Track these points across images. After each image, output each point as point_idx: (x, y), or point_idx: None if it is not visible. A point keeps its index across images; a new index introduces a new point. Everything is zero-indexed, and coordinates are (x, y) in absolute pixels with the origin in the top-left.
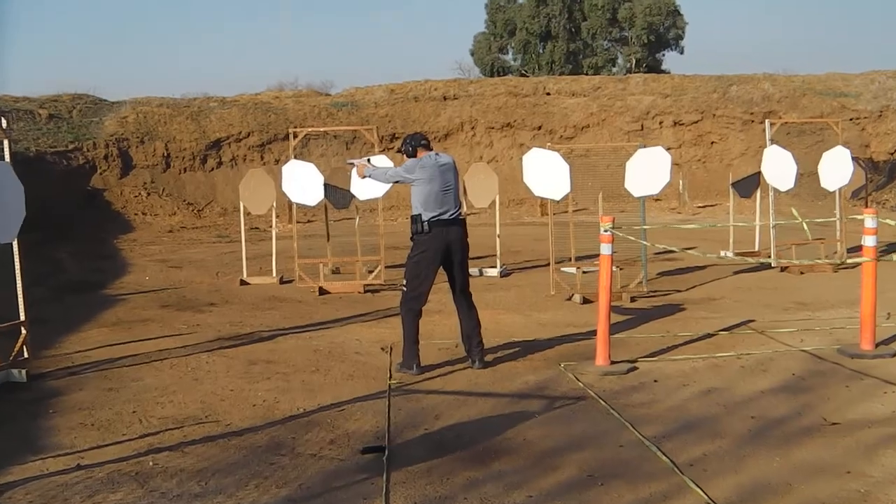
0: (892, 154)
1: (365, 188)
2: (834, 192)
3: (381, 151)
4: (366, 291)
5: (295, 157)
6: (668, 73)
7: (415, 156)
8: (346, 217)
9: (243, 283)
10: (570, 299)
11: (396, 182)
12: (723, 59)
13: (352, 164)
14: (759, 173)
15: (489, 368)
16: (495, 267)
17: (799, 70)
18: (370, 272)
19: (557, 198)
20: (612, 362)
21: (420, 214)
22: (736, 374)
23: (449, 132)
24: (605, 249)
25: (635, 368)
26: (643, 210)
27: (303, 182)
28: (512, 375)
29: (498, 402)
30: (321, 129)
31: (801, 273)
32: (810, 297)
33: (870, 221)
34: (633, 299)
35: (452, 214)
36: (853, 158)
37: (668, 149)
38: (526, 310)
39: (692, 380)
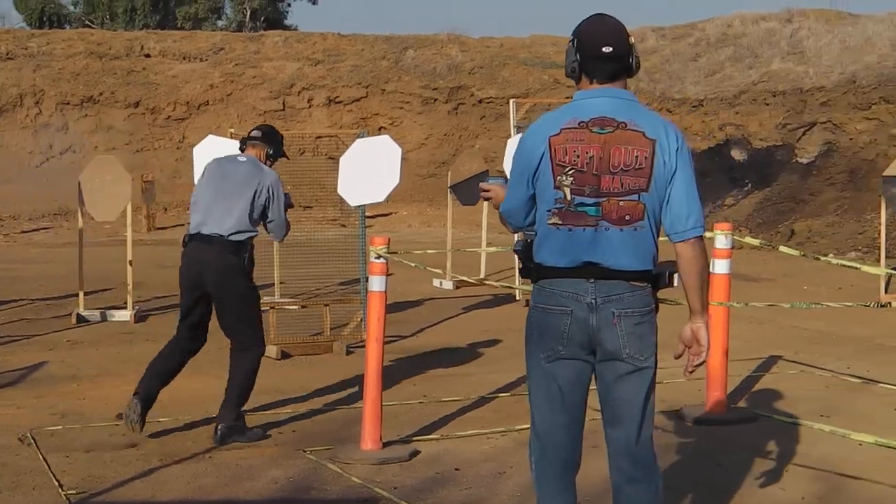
0: None
1: None
2: None
3: None
4: None
5: None
6: (296, 28)
7: None
8: None
9: None
10: None
11: None
12: (384, 14)
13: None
14: (487, 172)
15: (209, 461)
16: (126, 308)
17: (495, 32)
18: None
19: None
20: (384, 444)
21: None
22: None
23: (0, 109)
24: (377, 284)
25: (418, 452)
26: (363, 224)
27: None
28: (247, 471)
29: None
30: None
31: None
32: None
33: (723, 240)
34: (349, 350)
35: (211, 230)
36: None
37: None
38: (206, 369)
39: (505, 464)
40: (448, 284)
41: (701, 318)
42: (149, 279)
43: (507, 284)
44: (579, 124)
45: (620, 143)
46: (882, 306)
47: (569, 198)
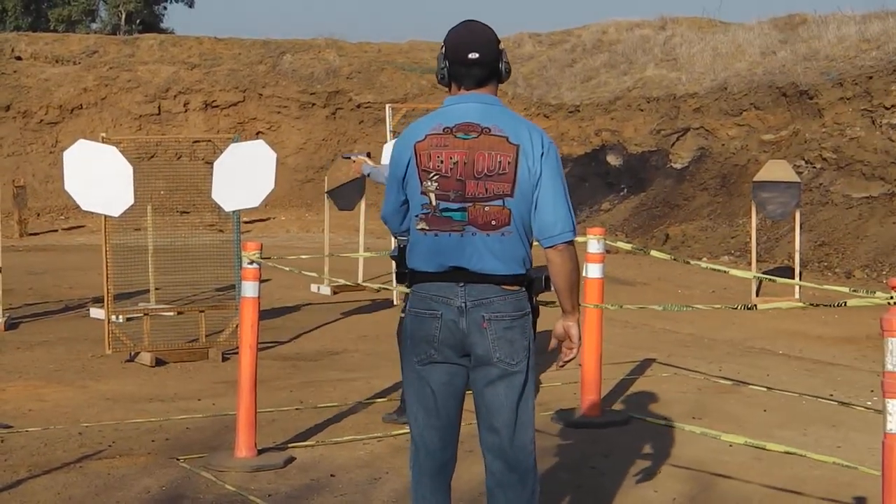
0: None
1: None
2: None
3: None
4: None
5: None
6: (172, 31)
7: None
8: None
9: None
10: (133, 360)
11: None
12: (261, 18)
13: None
14: (363, 178)
15: (79, 471)
16: None
17: (373, 37)
18: None
19: (116, 213)
20: (259, 451)
21: None
22: None
23: None
24: (250, 290)
25: (293, 459)
26: (237, 229)
27: None
28: (118, 480)
29: None
30: None
31: None
32: None
33: (595, 245)
34: (225, 357)
35: None
36: None
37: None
38: (76, 378)
39: (380, 470)
40: (326, 290)
41: (572, 317)
42: (20, 286)
43: (385, 287)
44: (444, 130)
45: (484, 149)
46: (749, 308)
47: (434, 203)
